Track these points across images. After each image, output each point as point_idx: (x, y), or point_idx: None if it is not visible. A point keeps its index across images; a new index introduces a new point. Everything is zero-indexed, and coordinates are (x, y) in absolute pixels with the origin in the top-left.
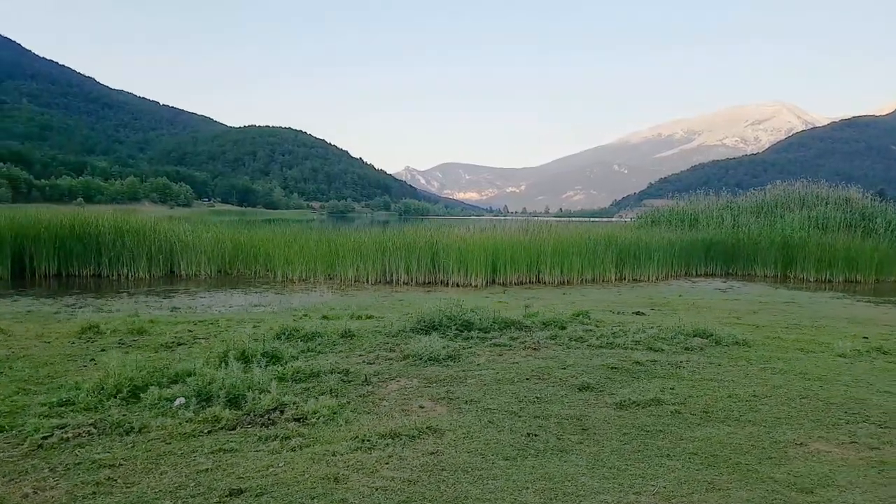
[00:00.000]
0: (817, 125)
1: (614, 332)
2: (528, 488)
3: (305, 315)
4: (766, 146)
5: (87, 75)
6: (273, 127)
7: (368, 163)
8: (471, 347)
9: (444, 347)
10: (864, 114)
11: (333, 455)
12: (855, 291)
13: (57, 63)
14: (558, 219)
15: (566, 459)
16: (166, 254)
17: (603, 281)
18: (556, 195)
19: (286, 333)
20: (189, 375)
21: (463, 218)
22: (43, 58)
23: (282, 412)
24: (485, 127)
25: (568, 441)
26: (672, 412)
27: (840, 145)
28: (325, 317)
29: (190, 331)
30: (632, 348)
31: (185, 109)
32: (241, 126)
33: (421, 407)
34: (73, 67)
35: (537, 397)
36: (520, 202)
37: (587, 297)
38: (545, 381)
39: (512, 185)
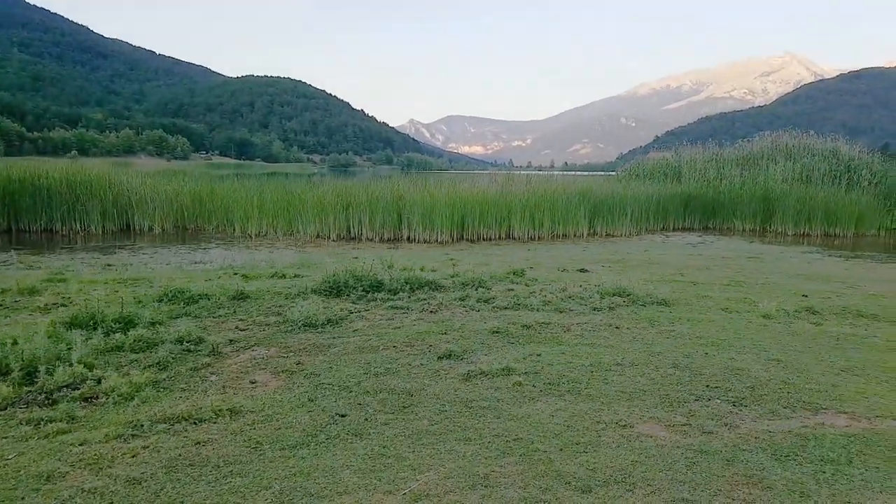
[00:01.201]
0: (826, 77)
1: (532, 292)
2: (270, 488)
3: (236, 274)
4: (774, 98)
5: (80, 24)
6: (272, 77)
7: (370, 115)
8: (367, 310)
9: (325, 311)
10: (873, 66)
11: (81, 445)
12: (831, 246)
13: (48, 11)
14: (563, 173)
15: (349, 448)
16: (121, 208)
17: (575, 236)
18: (562, 149)
19: (170, 295)
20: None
21: (467, 172)
22: (34, 5)
23: (76, 389)
24: (491, 78)
25: (374, 422)
26: (514, 384)
27: (847, 98)
28: (245, 276)
29: (95, 290)
30: (537, 309)
31: (182, 59)
32: (239, 76)
33: (252, 382)
34: (65, 15)
35: (388, 368)
36: (525, 156)
37: (547, 254)
38: (412, 347)
39: (518, 139)
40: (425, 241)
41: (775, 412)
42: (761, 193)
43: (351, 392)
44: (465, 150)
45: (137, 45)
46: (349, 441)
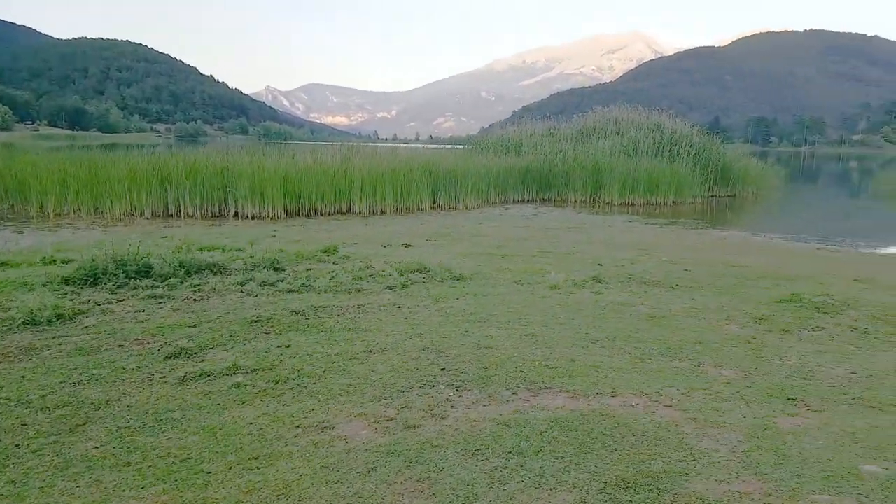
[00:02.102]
0: (665, 55)
1: (332, 272)
2: None
3: None
4: (620, 75)
5: None
6: (108, 39)
7: (221, 81)
8: (119, 301)
9: (60, 305)
10: (707, 45)
11: None
12: (652, 214)
13: None
14: (426, 146)
15: None
16: None
17: (418, 210)
18: (427, 122)
19: None
20: None
21: (328, 144)
22: None
23: None
24: (353, 47)
25: (24, 449)
26: (233, 386)
27: (683, 75)
28: (5, 264)
29: None
30: (324, 291)
31: (1, 18)
32: (70, 38)
33: None
34: None
35: (94, 374)
36: (391, 128)
37: (382, 228)
38: (142, 346)
39: (383, 110)
40: (254, 217)
41: (494, 395)
42: (592, 166)
43: (27, 408)
44: (328, 120)
45: None
46: None
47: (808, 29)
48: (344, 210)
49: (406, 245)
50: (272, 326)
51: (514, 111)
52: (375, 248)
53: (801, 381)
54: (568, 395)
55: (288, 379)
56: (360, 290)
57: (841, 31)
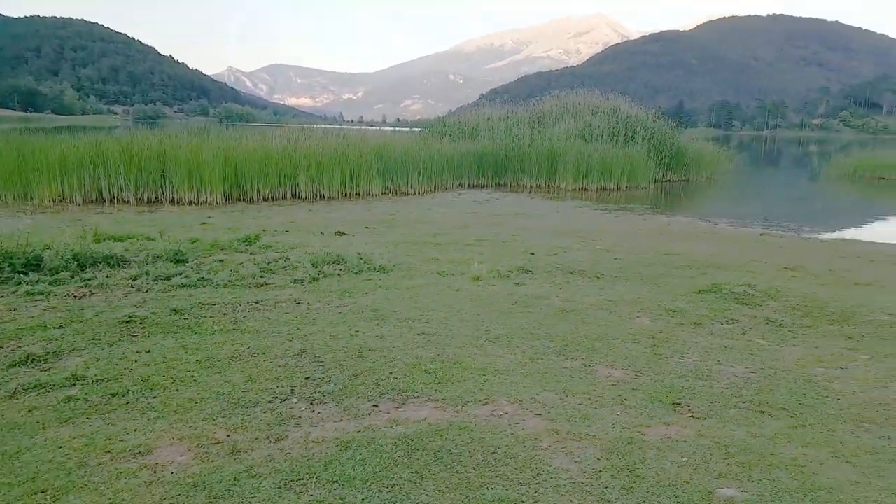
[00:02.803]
0: (631, 38)
1: (241, 263)
2: None
3: None
4: (586, 58)
5: None
6: (62, 18)
7: (181, 62)
8: None
9: None
10: (672, 29)
11: None
12: (604, 199)
13: None
14: (395, 129)
15: None
16: None
17: (369, 195)
18: (394, 104)
19: None
20: None
21: (293, 126)
22: None
23: None
24: (318, 26)
25: None
26: (64, 399)
27: (649, 59)
28: None
29: None
30: (221, 286)
31: None
32: (22, 16)
33: None
34: None
35: None
36: (357, 110)
37: (325, 215)
38: None
39: (349, 92)
40: (192, 204)
41: (350, 409)
42: (547, 151)
43: None
44: (292, 101)
45: None
46: None
47: (770, 14)
48: (290, 196)
49: (339, 233)
50: (143, 328)
51: (482, 94)
52: (305, 237)
53: (693, 383)
54: (435, 404)
55: (128, 392)
56: (262, 285)
57: (802, 16)
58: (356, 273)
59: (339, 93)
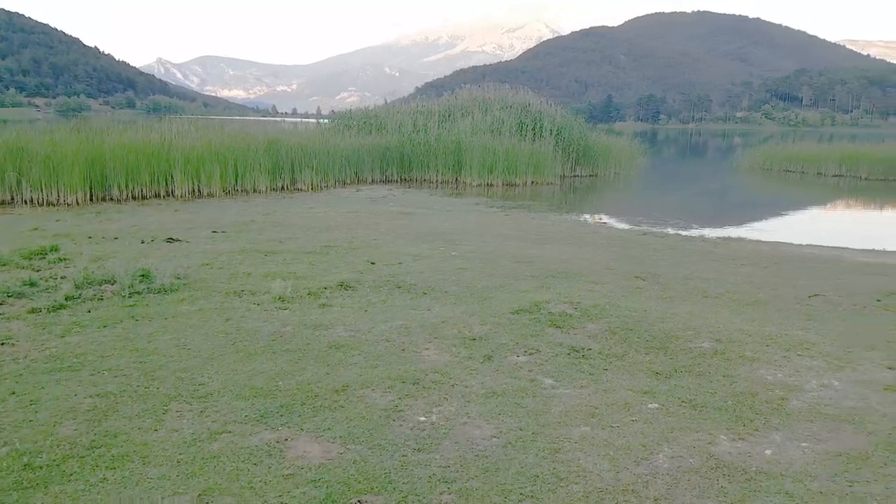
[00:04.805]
0: (562, 34)
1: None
2: None
3: None
4: (519, 53)
5: None
6: None
7: (107, 53)
8: None
9: None
10: (601, 24)
11: None
12: (508, 196)
13: None
14: (317, 122)
15: None
16: None
17: (254, 191)
18: (330, 96)
19: None
20: None
21: (225, 118)
22: None
23: None
24: (250, 17)
25: None
26: None
27: (580, 54)
28: None
29: None
30: None
31: None
32: None
33: None
34: None
35: None
36: (292, 102)
37: (187, 216)
38: None
39: (282, 84)
40: (50, 204)
41: None
42: (454, 146)
43: None
44: (224, 93)
45: None
46: None
47: (695, 10)
48: (164, 194)
49: (170, 239)
50: None
51: (418, 87)
52: (123, 245)
53: (411, 456)
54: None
55: None
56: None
57: (726, 12)
58: (124, 296)
59: (273, 85)
